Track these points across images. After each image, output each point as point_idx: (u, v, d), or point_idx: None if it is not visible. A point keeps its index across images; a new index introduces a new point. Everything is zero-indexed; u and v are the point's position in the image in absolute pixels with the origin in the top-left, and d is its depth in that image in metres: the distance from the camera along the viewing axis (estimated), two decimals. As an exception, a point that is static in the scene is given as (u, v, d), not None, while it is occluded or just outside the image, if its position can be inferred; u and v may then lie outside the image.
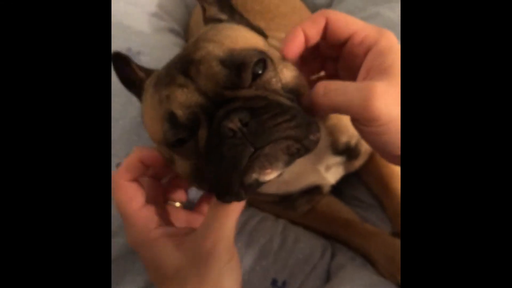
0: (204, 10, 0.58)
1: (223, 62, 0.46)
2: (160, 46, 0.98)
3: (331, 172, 0.78)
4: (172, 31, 1.09)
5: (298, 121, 0.45)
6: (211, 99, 0.46)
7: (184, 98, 0.46)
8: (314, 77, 0.60)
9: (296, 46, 0.50)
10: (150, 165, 0.53)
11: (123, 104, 0.82)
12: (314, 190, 0.80)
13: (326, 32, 0.50)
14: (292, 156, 0.46)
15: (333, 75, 0.57)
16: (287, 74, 0.50)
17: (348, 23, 0.49)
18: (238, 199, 0.47)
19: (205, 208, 0.61)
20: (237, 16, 0.59)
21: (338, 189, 0.86)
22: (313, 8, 1.14)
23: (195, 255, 0.48)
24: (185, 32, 1.16)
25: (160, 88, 0.49)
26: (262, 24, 0.89)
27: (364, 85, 0.43)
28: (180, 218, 0.59)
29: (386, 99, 0.42)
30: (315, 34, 0.50)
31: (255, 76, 0.47)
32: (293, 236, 0.79)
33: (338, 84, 0.46)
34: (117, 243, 0.74)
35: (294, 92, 0.50)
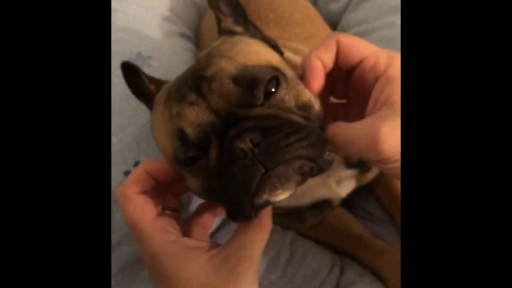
0: (219, 21, 0.57)
1: (235, 79, 0.45)
2: (171, 51, 0.97)
3: (342, 185, 0.77)
4: (183, 35, 1.08)
5: (312, 140, 0.44)
6: (222, 117, 0.45)
7: (194, 116, 0.45)
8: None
9: (319, 79, 0.49)
10: (158, 178, 0.52)
11: (132, 109, 0.81)
12: (323, 203, 0.79)
13: (337, 56, 0.50)
14: (304, 176, 0.45)
15: (342, 97, 0.56)
16: (301, 91, 0.49)
17: (360, 49, 0.49)
18: (249, 219, 0.46)
19: (205, 218, 0.58)
20: (251, 28, 0.58)
21: (348, 201, 0.84)
22: (327, 15, 1.13)
23: (229, 273, 0.46)
24: (196, 36, 1.15)
25: (171, 104, 0.48)
26: (275, 32, 0.89)
27: (370, 130, 0.43)
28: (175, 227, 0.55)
29: (393, 140, 0.42)
30: (329, 60, 0.50)
31: (268, 94, 0.46)
32: (302, 249, 0.77)
33: (345, 130, 0.46)
34: (122, 252, 0.73)
35: (307, 109, 0.49)
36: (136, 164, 0.78)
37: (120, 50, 0.90)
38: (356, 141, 0.44)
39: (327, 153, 0.45)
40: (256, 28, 0.59)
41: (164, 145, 0.50)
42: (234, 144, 0.42)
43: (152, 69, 0.89)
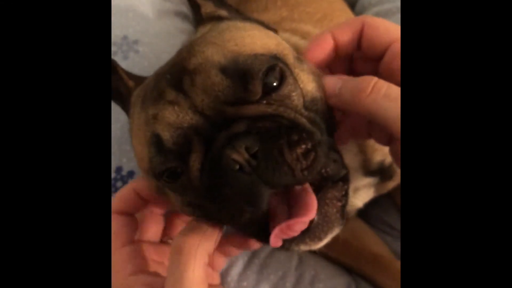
0: (197, 7, 0.46)
1: (225, 70, 0.38)
2: (163, 33, 0.85)
3: (359, 195, 0.68)
4: (178, 14, 0.94)
5: (318, 149, 0.37)
6: (208, 118, 0.38)
7: (174, 117, 0.38)
8: None
9: (322, 52, 0.44)
10: (148, 199, 0.48)
11: (114, 106, 0.70)
12: (336, 215, 0.69)
13: (361, 40, 0.44)
14: (343, 208, 0.41)
15: None
16: (309, 83, 0.41)
17: (389, 30, 0.42)
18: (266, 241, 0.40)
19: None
20: (233, 12, 0.50)
21: (364, 211, 0.75)
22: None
23: None
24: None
25: (147, 106, 0.41)
26: (284, 12, 0.77)
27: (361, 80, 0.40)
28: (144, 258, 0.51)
29: (380, 98, 0.38)
30: (348, 41, 0.44)
31: (269, 90, 0.39)
32: (311, 272, 0.67)
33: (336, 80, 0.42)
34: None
35: (315, 103, 0.42)
36: (118, 170, 0.67)
37: (103, 33, 0.78)
38: (346, 86, 0.40)
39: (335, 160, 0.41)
40: (238, 12, 0.50)
41: (140, 157, 0.43)
42: (225, 153, 0.36)
43: (140, 56, 0.77)
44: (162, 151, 0.39)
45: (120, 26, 0.81)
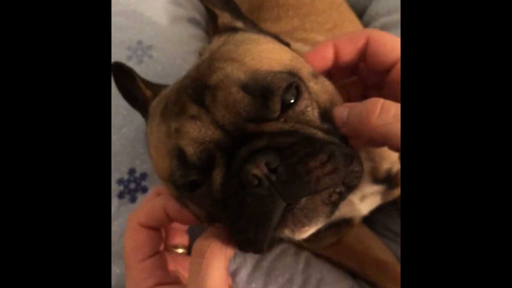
0: (215, 17, 0.47)
1: (245, 87, 0.39)
2: (176, 39, 0.86)
3: (365, 202, 0.69)
4: (191, 20, 0.96)
5: (337, 160, 0.37)
6: (229, 133, 0.39)
7: (196, 132, 0.39)
8: None
9: (321, 59, 0.44)
10: (176, 220, 0.48)
11: (128, 108, 0.70)
12: (342, 221, 0.70)
13: (366, 55, 0.44)
14: (334, 205, 0.40)
15: None
16: (322, 95, 0.42)
17: (395, 47, 0.42)
18: (261, 252, 0.41)
19: None
20: (248, 23, 0.50)
21: (369, 216, 0.75)
22: (352, 1, 1.00)
23: None
24: (206, 22, 1.03)
25: (168, 118, 0.42)
26: (295, 22, 0.78)
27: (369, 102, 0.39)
28: (185, 266, 0.52)
29: (387, 117, 0.38)
30: (349, 52, 0.44)
31: (286, 106, 0.40)
32: (317, 275, 0.68)
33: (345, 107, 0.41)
34: (113, 273, 0.64)
35: (329, 114, 0.42)
36: (131, 171, 0.69)
37: (119, 38, 0.80)
38: (353, 113, 0.39)
39: (356, 168, 0.40)
40: (253, 23, 0.50)
41: (160, 166, 0.44)
42: (246, 168, 0.36)
43: (154, 61, 0.79)
44: (185, 165, 0.39)
45: (135, 31, 0.83)
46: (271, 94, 0.39)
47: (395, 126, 0.36)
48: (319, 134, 0.40)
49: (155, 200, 0.48)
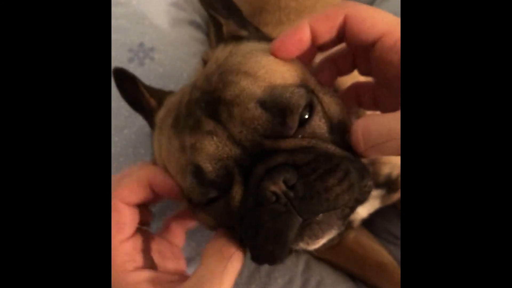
0: (219, 26, 0.47)
1: (263, 103, 0.38)
2: (178, 42, 0.87)
3: (365, 206, 0.69)
4: (192, 23, 0.97)
5: (352, 177, 0.38)
6: (246, 150, 0.38)
7: (213, 148, 0.39)
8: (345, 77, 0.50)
9: (294, 44, 0.41)
10: (161, 194, 0.45)
11: (130, 109, 0.71)
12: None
13: (345, 33, 0.41)
14: (346, 218, 0.40)
15: (367, 74, 0.46)
16: (332, 106, 0.42)
17: (375, 24, 0.39)
18: (275, 264, 0.41)
19: (177, 234, 0.52)
20: (252, 29, 0.49)
21: (369, 219, 0.75)
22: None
23: None
24: (207, 25, 1.04)
25: (181, 132, 0.41)
26: None
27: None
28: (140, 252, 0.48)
29: None
30: (326, 31, 0.41)
31: (302, 122, 0.39)
32: (317, 277, 0.69)
33: (369, 124, 0.38)
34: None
35: (339, 129, 0.41)
36: (132, 172, 0.69)
37: (120, 40, 0.81)
38: (383, 138, 0.36)
39: (368, 183, 0.40)
40: (257, 29, 0.50)
41: (174, 178, 0.43)
42: (264, 185, 0.36)
43: (155, 63, 0.79)
44: (204, 183, 0.39)
45: (136, 33, 0.83)
46: (290, 112, 0.38)
47: (384, 146, 0.36)
48: (334, 149, 0.39)
49: (140, 174, 0.45)
